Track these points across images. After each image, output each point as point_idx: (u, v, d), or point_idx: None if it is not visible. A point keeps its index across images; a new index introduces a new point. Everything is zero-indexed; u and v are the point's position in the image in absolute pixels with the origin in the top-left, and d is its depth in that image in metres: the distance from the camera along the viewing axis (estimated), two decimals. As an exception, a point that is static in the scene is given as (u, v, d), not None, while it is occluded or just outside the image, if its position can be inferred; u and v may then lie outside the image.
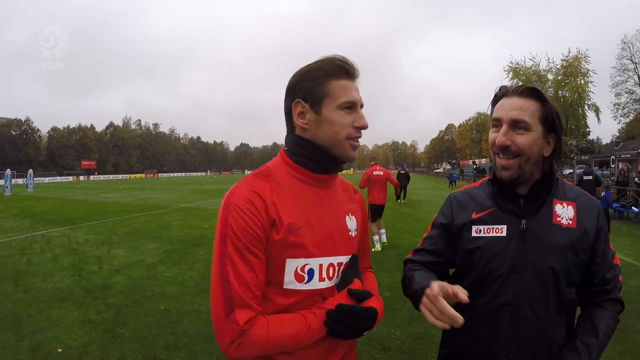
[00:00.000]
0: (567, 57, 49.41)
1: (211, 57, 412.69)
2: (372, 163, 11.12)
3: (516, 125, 1.61)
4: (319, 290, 1.47)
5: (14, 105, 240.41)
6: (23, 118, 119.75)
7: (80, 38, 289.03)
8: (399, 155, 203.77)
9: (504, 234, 1.70)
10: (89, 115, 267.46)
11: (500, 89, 1.74)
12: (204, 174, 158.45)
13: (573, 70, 48.37)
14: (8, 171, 40.11)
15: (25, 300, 6.75)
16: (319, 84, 1.46)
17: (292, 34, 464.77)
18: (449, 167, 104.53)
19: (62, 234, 13.61)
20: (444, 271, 1.93)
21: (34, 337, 5.30)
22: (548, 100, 1.66)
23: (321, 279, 1.47)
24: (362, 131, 1.53)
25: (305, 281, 1.43)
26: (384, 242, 10.90)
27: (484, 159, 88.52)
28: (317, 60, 1.52)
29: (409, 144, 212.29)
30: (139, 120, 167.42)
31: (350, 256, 1.57)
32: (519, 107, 1.62)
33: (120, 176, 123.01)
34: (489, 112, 1.77)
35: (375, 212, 10.46)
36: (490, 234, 1.72)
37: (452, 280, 1.84)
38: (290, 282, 1.42)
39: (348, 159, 1.53)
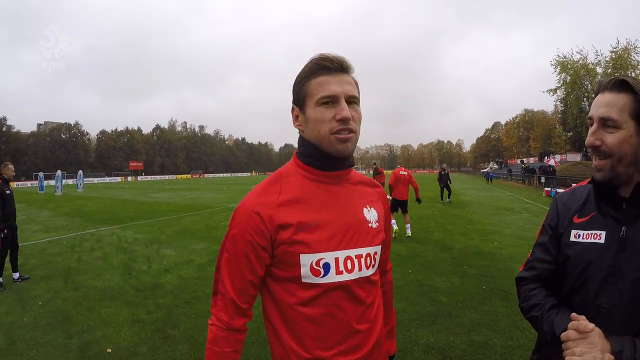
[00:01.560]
0: (615, 48, 48.14)
1: (254, 63, 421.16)
2: (398, 165, 13.49)
3: (605, 123, 1.48)
4: (338, 283, 1.49)
5: (67, 111, 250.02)
6: (72, 122, 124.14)
7: (129, 46, 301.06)
8: (444, 155, 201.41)
9: (602, 240, 1.54)
10: (135, 119, 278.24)
11: (597, 86, 1.59)
12: (249, 174, 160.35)
13: (623, 63, 47.34)
14: (59, 172, 41.44)
15: (75, 298, 6.75)
16: (301, 87, 1.52)
17: (332, 38, 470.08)
18: (495, 166, 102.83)
19: (112, 233, 13.77)
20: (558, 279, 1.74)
21: (83, 336, 5.24)
22: None
23: (338, 272, 1.49)
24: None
25: (321, 275, 1.47)
26: (408, 235, 12.12)
27: (532, 158, 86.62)
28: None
29: (454, 143, 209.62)
30: (185, 122, 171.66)
31: (372, 247, 1.59)
32: (607, 104, 1.48)
33: (167, 177, 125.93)
34: None
35: (395, 205, 12.18)
36: (588, 240, 1.58)
37: (554, 287, 1.73)
38: (307, 276, 1.47)
39: (338, 154, 1.52)
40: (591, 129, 1.52)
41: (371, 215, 1.63)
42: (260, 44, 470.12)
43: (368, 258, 1.56)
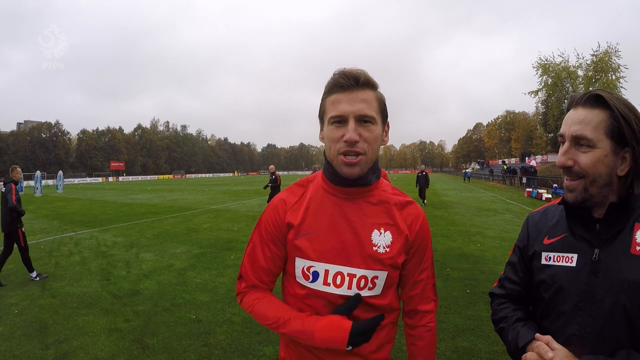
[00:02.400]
0: (596, 51, 48.69)
1: (240, 64, 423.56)
2: None
3: (578, 142, 1.40)
4: (322, 293, 1.56)
5: (48, 110, 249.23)
6: (53, 121, 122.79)
7: (112, 46, 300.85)
8: (426, 155, 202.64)
9: (574, 264, 1.46)
10: (117, 119, 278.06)
11: (569, 99, 1.51)
12: (231, 174, 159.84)
13: (604, 66, 47.82)
14: (38, 173, 40.78)
15: (51, 306, 6.59)
16: (322, 103, 1.55)
17: (317, 41, 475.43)
18: (477, 166, 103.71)
19: (91, 236, 13.55)
20: (529, 299, 1.71)
21: (60, 347, 5.09)
22: (618, 108, 1.37)
23: (325, 283, 1.55)
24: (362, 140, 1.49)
25: (310, 280, 1.57)
26: None
27: (514, 159, 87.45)
28: None
29: (436, 143, 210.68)
30: (167, 122, 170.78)
31: (370, 271, 1.55)
32: (580, 121, 1.39)
33: (148, 177, 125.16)
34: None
35: None
36: (560, 263, 1.50)
37: (525, 306, 1.72)
38: (299, 277, 1.60)
39: (343, 175, 1.53)
40: (563, 148, 1.44)
41: (382, 239, 1.58)
42: (246, 45, 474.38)
43: (362, 280, 1.54)
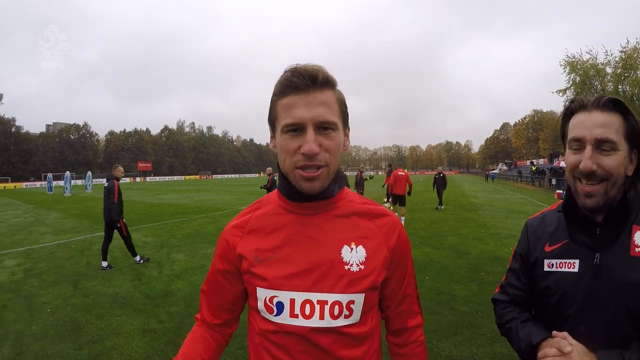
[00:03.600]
0: (625, 48, 47.68)
1: (264, 67, 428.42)
2: (398, 167, 16.91)
3: (601, 145, 1.40)
4: (291, 327, 1.32)
5: (77, 112, 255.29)
6: (81, 123, 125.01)
7: (142, 52, 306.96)
8: (453, 156, 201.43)
9: (576, 269, 1.49)
10: (144, 120, 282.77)
11: (574, 102, 1.50)
12: (257, 175, 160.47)
13: (633, 63, 46.72)
14: (67, 173, 41.54)
15: (84, 305, 6.61)
16: (272, 107, 1.32)
17: (338, 44, 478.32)
18: (505, 167, 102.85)
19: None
20: (532, 303, 1.74)
21: (94, 347, 5.08)
22: (631, 112, 1.44)
23: (293, 315, 1.32)
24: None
25: (274, 313, 1.34)
26: None
27: (542, 159, 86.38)
28: None
29: (463, 144, 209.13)
30: (193, 123, 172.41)
31: (345, 295, 1.32)
32: (603, 124, 1.40)
33: (175, 177, 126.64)
34: (561, 129, 1.57)
35: (396, 198, 16.15)
36: (562, 269, 1.53)
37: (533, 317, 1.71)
38: (262, 310, 1.37)
39: (302, 191, 1.31)
40: (586, 153, 1.40)
41: (354, 256, 1.36)
42: (271, 49, 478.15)
43: (336, 307, 1.32)
